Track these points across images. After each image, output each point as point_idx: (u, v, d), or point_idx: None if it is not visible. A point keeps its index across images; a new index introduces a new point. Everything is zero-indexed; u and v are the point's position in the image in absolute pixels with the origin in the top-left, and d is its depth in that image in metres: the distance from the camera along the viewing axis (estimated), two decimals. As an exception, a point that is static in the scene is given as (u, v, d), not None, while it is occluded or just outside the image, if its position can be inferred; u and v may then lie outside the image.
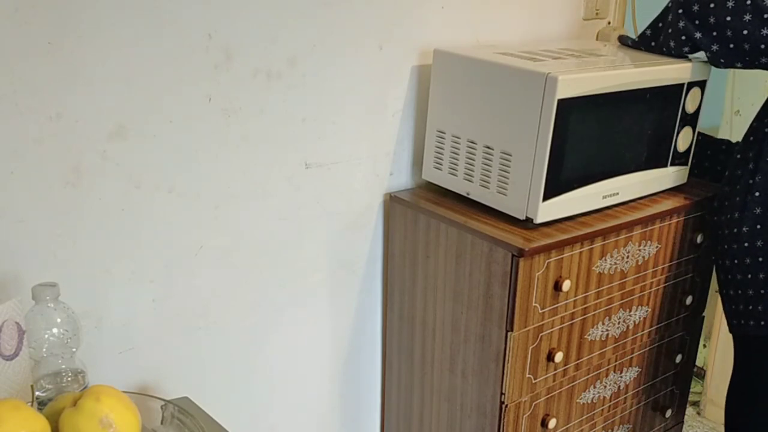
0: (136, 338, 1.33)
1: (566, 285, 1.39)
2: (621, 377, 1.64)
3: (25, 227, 1.16)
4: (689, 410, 2.31)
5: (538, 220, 1.36)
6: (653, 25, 1.55)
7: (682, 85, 1.50)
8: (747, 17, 1.34)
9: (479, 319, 1.43)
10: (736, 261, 1.44)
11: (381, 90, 1.52)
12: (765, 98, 1.48)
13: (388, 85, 1.53)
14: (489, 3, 1.63)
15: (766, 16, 1.32)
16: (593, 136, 1.41)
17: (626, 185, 1.49)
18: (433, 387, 1.59)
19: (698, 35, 1.41)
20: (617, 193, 1.48)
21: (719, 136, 2.32)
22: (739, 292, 1.44)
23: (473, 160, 1.45)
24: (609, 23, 1.91)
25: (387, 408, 1.76)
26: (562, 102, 1.29)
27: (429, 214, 1.49)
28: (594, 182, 1.43)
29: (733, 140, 2.29)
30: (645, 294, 1.59)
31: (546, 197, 1.35)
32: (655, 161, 1.54)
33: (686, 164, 1.61)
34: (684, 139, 1.56)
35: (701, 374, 2.48)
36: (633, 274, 1.53)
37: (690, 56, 1.52)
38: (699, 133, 1.62)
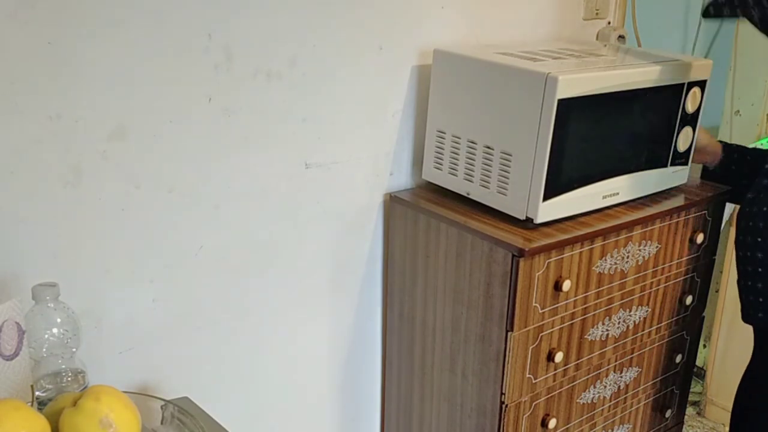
0: (136, 338, 1.32)
1: (566, 285, 1.39)
2: (621, 377, 1.64)
3: (25, 227, 1.15)
4: (689, 410, 2.31)
5: (539, 220, 1.36)
6: None
7: (682, 84, 1.50)
8: None
9: (479, 319, 1.43)
10: (749, 253, 1.44)
11: (381, 90, 1.52)
12: None
13: (388, 85, 1.53)
14: (489, 3, 1.63)
15: None
16: (593, 135, 1.41)
17: (626, 185, 1.49)
18: (433, 387, 1.59)
19: None
20: (617, 193, 1.48)
21: (719, 136, 2.33)
22: (749, 283, 1.45)
23: (473, 160, 1.45)
24: (609, 23, 1.91)
25: (387, 408, 1.76)
26: (562, 102, 1.29)
27: (429, 214, 1.49)
28: (594, 182, 1.43)
29: (733, 140, 2.29)
30: (645, 294, 1.59)
31: (546, 197, 1.35)
32: (656, 161, 1.54)
33: (686, 164, 1.61)
34: (684, 139, 1.56)
35: (701, 374, 2.48)
36: (633, 274, 1.53)
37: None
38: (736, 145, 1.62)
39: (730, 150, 1.65)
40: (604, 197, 1.46)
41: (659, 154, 1.54)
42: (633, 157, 1.49)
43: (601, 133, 1.42)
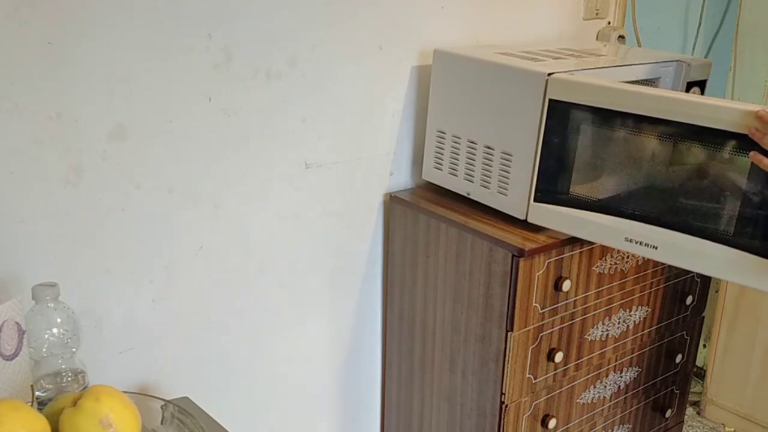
0: (136, 338, 1.32)
1: (566, 285, 1.39)
2: (621, 377, 1.64)
3: (25, 227, 1.15)
4: (689, 410, 2.31)
5: (529, 220, 1.35)
6: None
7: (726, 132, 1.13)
8: None
9: (479, 319, 1.43)
10: None
11: (381, 90, 1.52)
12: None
13: (388, 85, 1.53)
14: (489, 3, 1.63)
15: None
16: (610, 156, 1.28)
17: (667, 240, 1.21)
18: (433, 387, 1.59)
19: None
20: (653, 245, 1.22)
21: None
22: None
23: (473, 160, 1.45)
24: (609, 23, 1.91)
25: (387, 408, 1.76)
26: (560, 102, 1.29)
27: (429, 214, 1.49)
28: (614, 215, 1.26)
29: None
30: (645, 294, 1.59)
31: (539, 199, 1.34)
32: (702, 226, 1.18)
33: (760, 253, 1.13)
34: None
35: (701, 374, 2.47)
36: (633, 274, 1.53)
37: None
38: None
39: None
40: (628, 240, 1.23)
41: (706, 218, 1.19)
42: (672, 208, 1.20)
43: (621, 156, 1.27)
